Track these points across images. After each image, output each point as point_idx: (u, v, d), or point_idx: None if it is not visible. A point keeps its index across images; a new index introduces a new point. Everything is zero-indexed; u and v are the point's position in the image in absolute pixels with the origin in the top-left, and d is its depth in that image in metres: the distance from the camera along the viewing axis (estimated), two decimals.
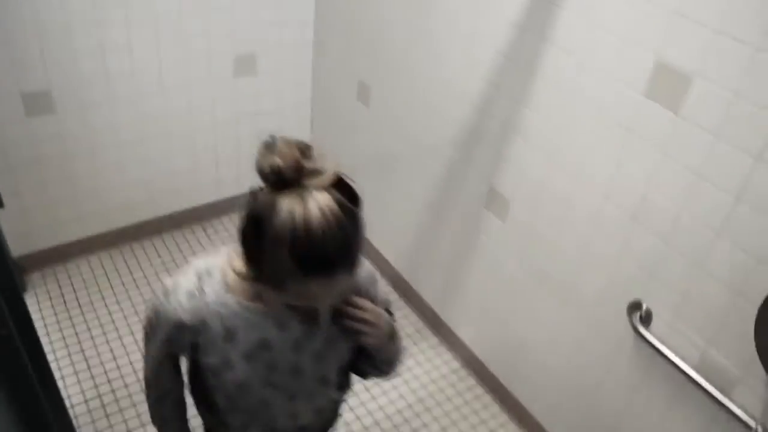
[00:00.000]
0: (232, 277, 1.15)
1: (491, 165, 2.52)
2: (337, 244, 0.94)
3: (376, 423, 2.72)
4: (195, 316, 1.15)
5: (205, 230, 3.53)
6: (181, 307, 1.14)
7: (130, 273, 3.23)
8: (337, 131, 3.48)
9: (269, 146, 0.95)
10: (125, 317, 3.00)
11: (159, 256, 3.34)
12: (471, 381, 2.97)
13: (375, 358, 1.34)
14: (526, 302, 2.57)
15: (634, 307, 2.07)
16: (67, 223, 3.15)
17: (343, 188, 0.97)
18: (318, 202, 0.92)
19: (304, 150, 0.96)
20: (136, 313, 3.02)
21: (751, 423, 1.78)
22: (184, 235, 3.49)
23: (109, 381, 2.72)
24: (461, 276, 2.88)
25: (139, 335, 2.91)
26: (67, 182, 3.02)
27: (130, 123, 3.04)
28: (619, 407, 2.30)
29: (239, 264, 1.11)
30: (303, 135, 3.65)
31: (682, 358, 1.94)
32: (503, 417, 2.83)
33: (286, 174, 0.93)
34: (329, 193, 0.94)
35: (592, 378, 2.37)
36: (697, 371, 1.90)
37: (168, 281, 1.19)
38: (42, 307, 2.98)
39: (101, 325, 2.95)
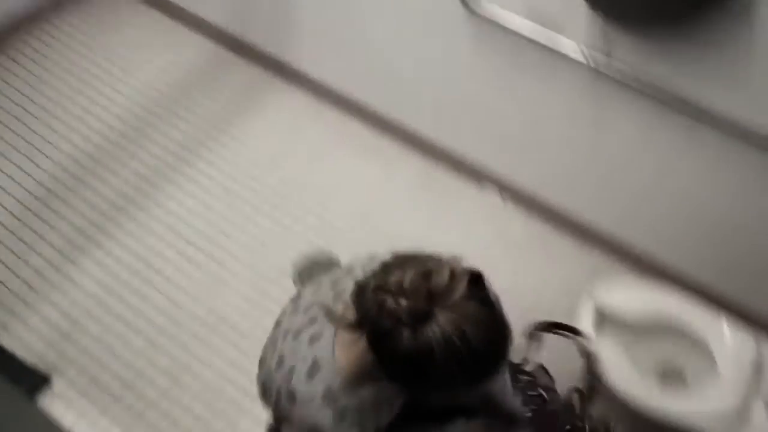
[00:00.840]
0: (347, 370, 1.10)
1: None
2: (500, 341, 0.96)
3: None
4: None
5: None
6: (335, 423, 1.10)
7: None
8: None
9: (383, 287, 0.92)
10: None
11: None
12: (328, 111, 3.00)
13: None
14: (365, 18, 2.51)
15: None
16: None
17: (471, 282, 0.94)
18: (467, 316, 0.90)
19: (427, 273, 0.92)
20: None
21: (582, 59, 1.92)
22: None
23: None
24: (290, 9, 2.76)
25: None
26: None
27: None
28: (469, 92, 2.41)
29: (351, 357, 1.08)
30: None
31: (514, 22, 2.00)
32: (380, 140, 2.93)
33: (420, 312, 0.89)
34: (466, 300, 0.91)
35: (436, 71, 2.44)
36: (529, 23, 1.98)
37: None
38: None
39: None
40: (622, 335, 2.04)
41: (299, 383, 1.14)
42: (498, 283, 2.49)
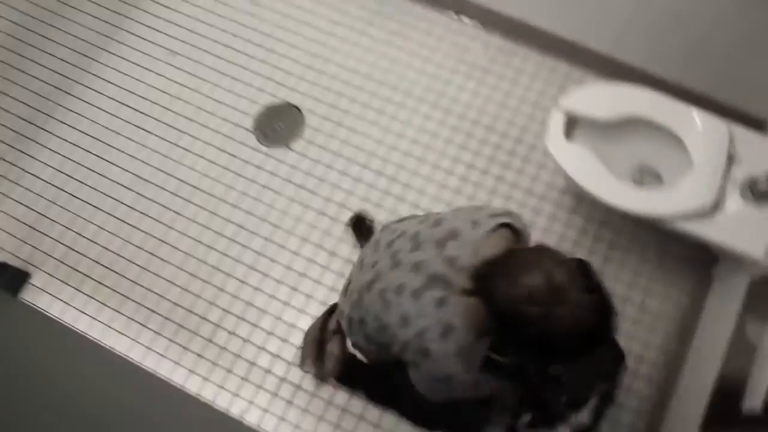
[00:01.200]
0: (473, 329, 1.30)
1: None
2: (608, 321, 1.14)
3: None
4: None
5: None
6: (465, 372, 1.34)
7: None
8: None
9: (514, 295, 1.13)
10: None
11: None
12: None
13: None
14: None
15: None
16: None
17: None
18: (582, 307, 1.10)
19: (549, 276, 1.11)
20: None
21: None
22: None
23: None
24: None
25: None
26: None
27: None
28: None
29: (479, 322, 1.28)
30: None
31: None
32: None
33: (545, 314, 1.10)
34: (581, 293, 1.11)
35: None
36: None
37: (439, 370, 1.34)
38: None
39: None
40: (595, 140, 1.99)
41: (433, 343, 1.32)
42: (467, 110, 2.43)
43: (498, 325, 1.20)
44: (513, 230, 1.42)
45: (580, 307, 1.11)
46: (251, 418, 2.07)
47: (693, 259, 2.18)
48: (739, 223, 1.81)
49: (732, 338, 1.68)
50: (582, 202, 2.28)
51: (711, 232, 1.82)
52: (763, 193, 1.80)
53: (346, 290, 1.65)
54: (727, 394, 1.56)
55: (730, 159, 1.87)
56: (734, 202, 1.83)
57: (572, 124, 2.00)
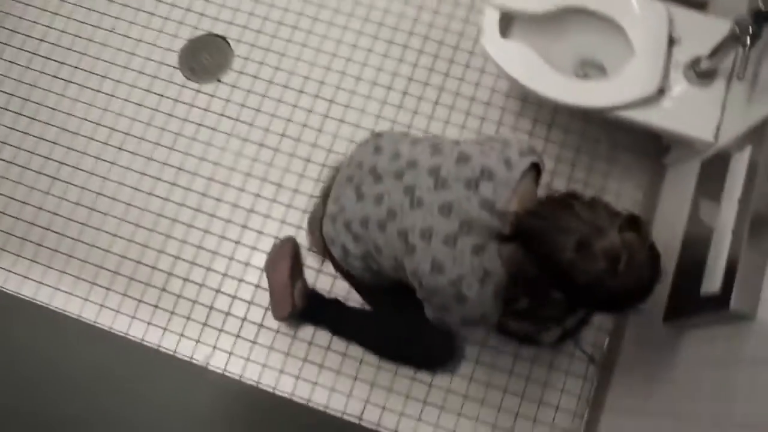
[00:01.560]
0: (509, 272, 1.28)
1: None
2: (659, 276, 1.18)
3: None
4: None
5: None
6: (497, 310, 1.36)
7: None
8: None
9: (590, 256, 1.12)
10: None
11: None
12: None
13: None
14: None
15: None
16: None
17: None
18: (645, 264, 1.15)
19: (623, 239, 1.12)
20: None
21: None
22: None
23: None
24: None
25: None
26: None
27: None
28: None
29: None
30: None
31: None
32: None
33: (615, 272, 1.12)
34: (645, 250, 1.16)
35: None
36: None
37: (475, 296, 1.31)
38: None
39: None
40: (533, 36, 1.92)
41: (470, 289, 1.29)
42: (400, 21, 2.32)
43: (550, 277, 1.19)
44: (537, 169, 1.38)
45: (644, 267, 1.15)
46: (217, 363, 2.03)
47: (645, 152, 2.16)
48: (685, 105, 1.78)
49: (688, 223, 1.67)
50: (527, 103, 2.23)
51: (658, 118, 1.79)
52: (706, 72, 1.77)
53: (333, 219, 1.52)
54: (686, 282, 1.56)
55: (671, 41, 1.82)
56: (679, 85, 1.80)
57: (508, 22, 1.92)
